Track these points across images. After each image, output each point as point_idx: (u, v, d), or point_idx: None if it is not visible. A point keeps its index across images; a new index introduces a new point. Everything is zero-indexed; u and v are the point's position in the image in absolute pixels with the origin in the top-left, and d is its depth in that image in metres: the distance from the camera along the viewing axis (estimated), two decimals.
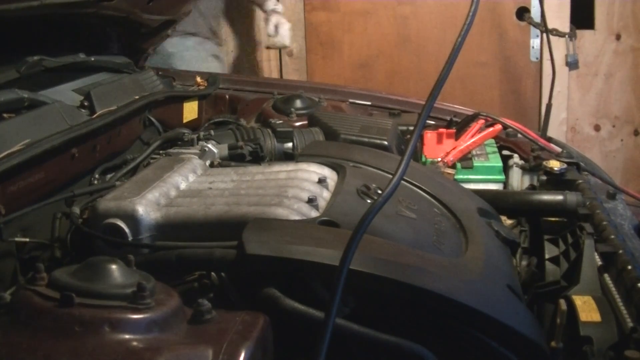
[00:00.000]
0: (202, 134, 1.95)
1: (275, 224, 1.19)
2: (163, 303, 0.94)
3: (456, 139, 2.10)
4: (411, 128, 2.12)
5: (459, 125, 2.14)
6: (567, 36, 3.27)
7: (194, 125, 2.35)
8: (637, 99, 3.37)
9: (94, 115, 1.78)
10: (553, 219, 1.70)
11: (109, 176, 1.71)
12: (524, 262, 1.64)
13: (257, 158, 1.83)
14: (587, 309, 1.27)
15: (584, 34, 3.33)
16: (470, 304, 1.10)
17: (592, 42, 3.34)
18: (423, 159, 2.10)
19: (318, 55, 3.47)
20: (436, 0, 3.34)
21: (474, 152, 2.09)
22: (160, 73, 2.45)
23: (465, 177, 1.99)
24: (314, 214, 1.27)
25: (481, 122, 2.10)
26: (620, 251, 1.40)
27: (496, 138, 2.24)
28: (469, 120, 2.13)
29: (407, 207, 1.39)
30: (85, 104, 1.82)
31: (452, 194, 1.58)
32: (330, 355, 0.89)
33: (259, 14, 3.42)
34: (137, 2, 2.09)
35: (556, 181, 1.84)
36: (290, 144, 1.96)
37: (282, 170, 1.49)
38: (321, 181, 1.42)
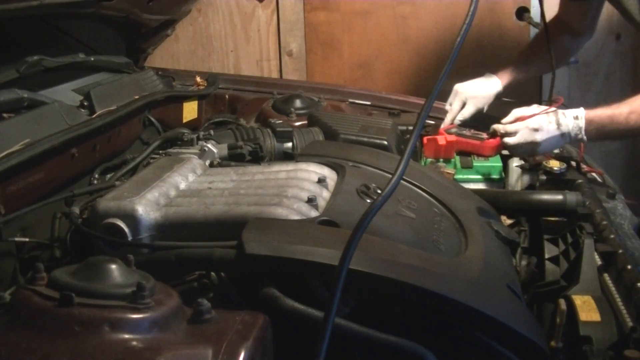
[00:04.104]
0: (201, 133, 1.95)
1: (275, 223, 1.19)
2: (163, 303, 0.94)
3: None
4: (411, 128, 2.12)
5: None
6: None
7: (193, 125, 2.35)
8: None
9: (94, 115, 1.78)
10: (553, 218, 1.70)
11: (108, 176, 1.71)
12: (524, 262, 1.64)
13: (257, 158, 1.83)
14: (586, 309, 1.27)
15: None
16: (470, 303, 1.10)
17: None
18: (423, 161, 2.10)
19: (318, 55, 3.47)
20: (436, 0, 3.34)
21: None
22: (160, 73, 2.46)
23: (465, 176, 1.99)
24: (313, 213, 1.27)
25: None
26: (620, 251, 1.40)
27: None
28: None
29: (407, 206, 1.39)
30: (85, 103, 1.82)
31: (452, 194, 1.58)
32: (330, 355, 0.89)
33: (258, 12, 3.42)
34: (137, 1, 2.09)
35: (556, 181, 1.84)
36: (289, 144, 1.96)
37: (281, 170, 1.49)
38: (321, 181, 1.42)
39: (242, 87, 2.64)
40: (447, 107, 2.24)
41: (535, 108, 1.96)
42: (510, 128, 1.94)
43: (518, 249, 1.62)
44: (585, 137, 1.90)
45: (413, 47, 3.41)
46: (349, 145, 1.82)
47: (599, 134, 1.91)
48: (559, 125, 1.90)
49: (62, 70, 1.93)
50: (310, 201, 1.29)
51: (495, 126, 2.00)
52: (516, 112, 1.98)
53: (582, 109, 1.92)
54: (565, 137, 1.91)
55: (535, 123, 1.91)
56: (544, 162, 1.89)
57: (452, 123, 2.21)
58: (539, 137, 1.90)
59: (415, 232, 1.31)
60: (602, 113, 1.91)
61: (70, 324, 0.88)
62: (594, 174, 1.99)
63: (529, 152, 1.94)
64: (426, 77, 3.35)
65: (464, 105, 2.22)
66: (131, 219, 1.25)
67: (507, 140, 1.95)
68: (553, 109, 1.93)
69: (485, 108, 2.26)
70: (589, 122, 1.89)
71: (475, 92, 2.24)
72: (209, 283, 1.12)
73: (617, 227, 1.56)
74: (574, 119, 1.90)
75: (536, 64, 2.36)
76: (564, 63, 2.41)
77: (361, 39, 3.43)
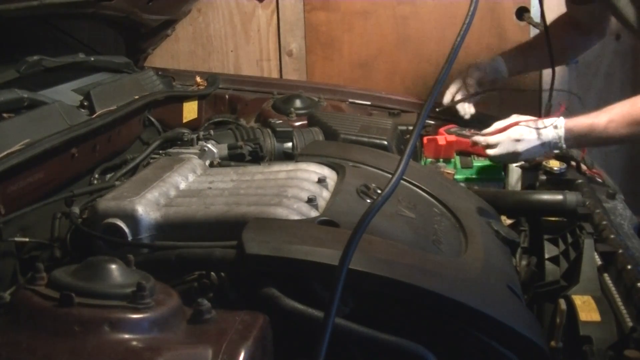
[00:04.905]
0: (201, 133, 1.95)
1: (275, 223, 1.19)
2: (162, 303, 0.94)
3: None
4: (411, 128, 2.12)
5: None
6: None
7: (193, 125, 2.34)
8: None
9: (94, 115, 1.78)
10: (553, 218, 1.70)
11: (108, 176, 1.71)
12: (524, 262, 1.65)
13: (257, 158, 1.83)
14: (586, 309, 1.27)
15: None
16: (470, 303, 1.10)
17: None
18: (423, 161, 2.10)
19: (318, 55, 3.46)
20: (436, 0, 3.34)
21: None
22: (160, 73, 2.45)
23: (465, 176, 1.99)
24: (313, 213, 1.27)
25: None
26: (620, 251, 1.40)
27: None
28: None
29: (407, 206, 1.39)
30: (85, 103, 1.82)
31: (452, 194, 1.58)
32: (330, 355, 0.89)
33: (258, 12, 3.42)
34: (137, 2, 2.09)
35: (556, 181, 1.84)
36: (289, 144, 1.96)
37: (281, 170, 1.49)
38: (321, 181, 1.42)
39: (242, 87, 2.64)
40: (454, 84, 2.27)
41: (515, 117, 1.99)
42: (492, 140, 1.97)
43: (518, 249, 1.62)
44: (564, 146, 1.93)
45: (413, 47, 3.40)
46: (349, 145, 1.82)
47: (578, 142, 1.94)
48: (539, 134, 1.92)
49: (62, 70, 1.93)
50: (310, 201, 1.29)
51: (476, 138, 2.02)
52: (497, 124, 2.01)
53: (561, 118, 1.94)
54: (545, 146, 1.94)
55: (517, 133, 1.94)
56: (544, 162, 1.90)
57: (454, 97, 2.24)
58: (520, 147, 1.92)
59: (415, 232, 1.31)
60: (582, 122, 1.92)
61: (70, 324, 0.88)
62: (594, 173, 1.99)
63: (511, 161, 1.98)
64: (426, 77, 3.35)
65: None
66: (131, 219, 1.25)
67: (489, 152, 1.97)
68: (533, 118, 1.96)
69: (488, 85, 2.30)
70: (568, 131, 1.91)
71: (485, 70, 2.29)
72: (209, 283, 1.12)
73: (617, 227, 1.56)
74: (553, 128, 1.92)
75: (542, 55, 2.37)
76: (570, 59, 2.43)
77: (361, 39, 3.43)
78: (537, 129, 1.92)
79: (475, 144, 2.02)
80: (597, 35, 2.41)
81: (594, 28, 2.37)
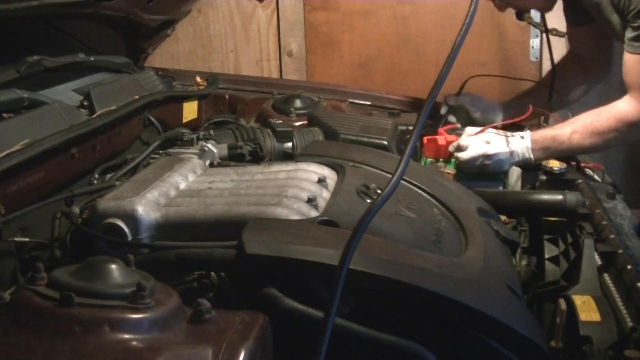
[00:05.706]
0: (201, 133, 1.95)
1: (275, 223, 1.19)
2: (163, 303, 0.94)
3: None
4: (411, 128, 2.12)
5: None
6: (566, 36, 3.27)
7: (193, 125, 2.35)
8: None
9: (94, 115, 1.77)
10: (553, 218, 1.70)
11: (108, 176, 1.71)
12: (524, 262, 1.65)
13: (257, 158, 1.83)
14: (586, 309, 1.27)
15: None
16: (470, 303, 1.10)
17: None
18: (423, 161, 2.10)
19: (318, 55, 3.47)
20: (436, 0, 3.34)
21: None
22: (160, 73, 2.45)
23: (465, 176, 1.99)
24: (313, 213, 1.27)
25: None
26: (620, 251, 1.40)
27: None
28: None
29: (407, 206, 1.39)
30: (85, 103, 1.82)
31: (452, 194, 1.58)
32: (330, 355, 0.89)
33: (258, 12, 3.42)
34: (137, 2, 2.09)
35: (556, 181, 1.84)
36: (289, 144, 1.96)
37: (281, 170, 1.49)
38: (321, 181, 1.42)
39: (242, 87, 2.64)
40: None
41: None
42: (463, 142, 2.00)
43: (518, 249, 1.62)
44: (532, 157, 1.97)
45: (413, 47, 3.41)
46: (349, 145, 1.82)
47: (545, 154, 1.98)
48: (508, 142, 1.97)
49: (62, 70, 1.93)
50: (310, 201, 1.29)
51: (453, 144, 2.05)
52: (469, 130, 2.06)
53: (527, 130, 2.01)
54: (514, 156, 1.98)
55: (487, 136, 1.99)
56: (544, 162, 1.90)
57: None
58: (490, 149, 1.96)
59: (415, 232, 1.31)
60: (546, 134, 1.99)
61: (70, 324, 0.88)
62: (595, 168, 2.01)
63: (481, 166, 1.98)
64: (426, 77, 3.35)
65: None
66: (131, 218, 1.25)
67: (460, 155, 1.99)
68: (501, 131, 2.02)
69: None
70: (534, 143, 1.97)
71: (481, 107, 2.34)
72: (209, 283, 1.12)
73: (617, 227, 1.56)
74: (520, 139, 1.98)
75: (539, 103, 2.41)
76: (574, 100, 2.46)
77: (361, 39, 3.43)
78: (506, 136, 1.99)
79: (453, 151, 2.05)
80: (602, 72, 2.44)
81: (596, 63, 2.40)
